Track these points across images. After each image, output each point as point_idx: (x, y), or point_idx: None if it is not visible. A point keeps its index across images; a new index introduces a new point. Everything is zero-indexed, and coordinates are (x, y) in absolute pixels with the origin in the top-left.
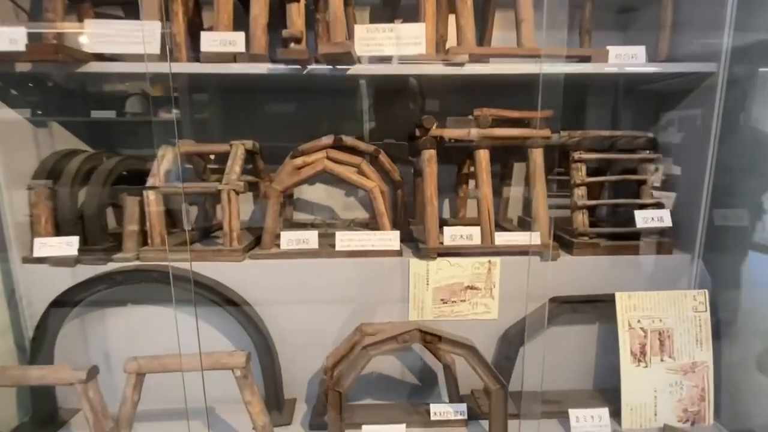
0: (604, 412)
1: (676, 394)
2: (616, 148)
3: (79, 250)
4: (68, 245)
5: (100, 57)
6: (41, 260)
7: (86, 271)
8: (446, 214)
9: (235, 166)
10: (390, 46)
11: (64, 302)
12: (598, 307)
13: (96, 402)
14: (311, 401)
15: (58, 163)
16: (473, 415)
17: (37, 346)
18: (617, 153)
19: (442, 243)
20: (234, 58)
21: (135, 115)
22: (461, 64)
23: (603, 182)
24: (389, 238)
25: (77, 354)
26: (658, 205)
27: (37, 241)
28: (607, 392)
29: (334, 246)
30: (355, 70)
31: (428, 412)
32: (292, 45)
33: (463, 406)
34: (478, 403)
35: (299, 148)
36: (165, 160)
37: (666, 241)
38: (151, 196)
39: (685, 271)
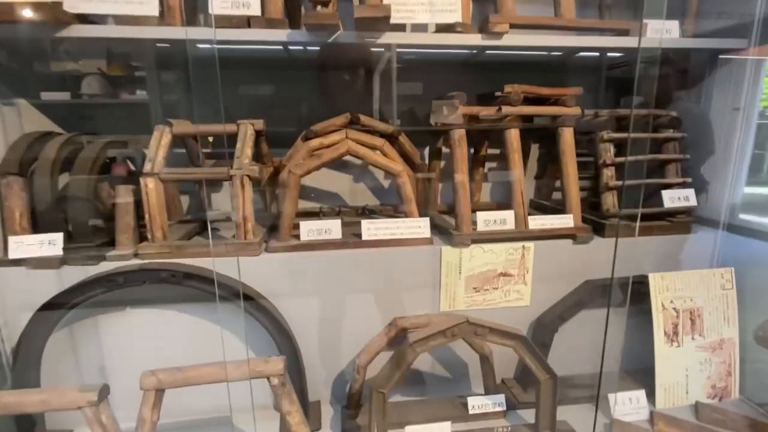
0: (641, 394)
1: (705, 372)
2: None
3: (65, 248)
4: (51, 244)
5: (83, 19)
6: (16, 262)
7: (73, 273)
8: None
9: (246, 149)
10: (423, 13)
11: (55, 308)
12: (635, 289)
13: (110, 427)
14: (335, 403)
15: (31, 149)
16: (509, 405)
17: (20, 363)
18: (641, 132)
19: (474, 229)
20: (248, 22)
21: (93, 96)
22: (500, 35)
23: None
24: (419, 226)
25: (66, 368)
26: (684, 185)
27: (12, 240)
28: (636, 373)
29: (358, 235)
30: (386, 38)
31: (465, 406)
32: (319, 8)
33: (501, 398)
34: (513, 392)
35: (312, 129)
36: (162, 144)
37: (691, 220)
38: (150, 183)
39: (709, 250)
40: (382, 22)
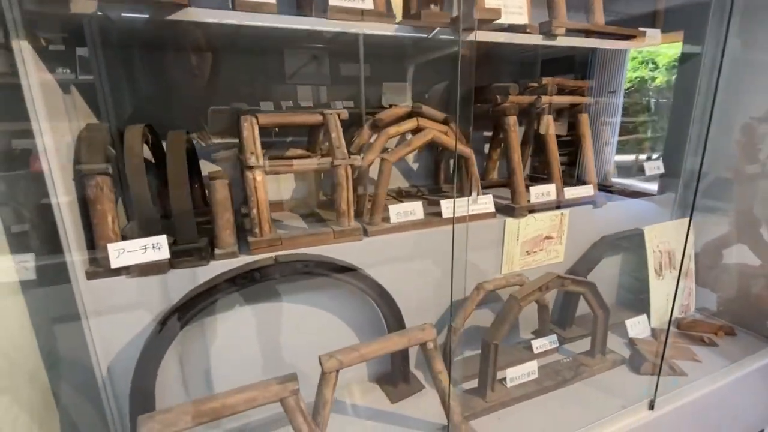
0: (643, 318)
1: (678, 295)
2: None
3: (172, 252)
4: (156, 248)
5: None
6: (114, 272)
7: (182, 277)
8: None
9: (341, 139)
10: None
11: (185, 312)
12: (632, 240)
13: (306, 412)
14: (420, 366)
15: (102, 141)
16: (559, 342)
17: (141, 374)
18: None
19: (528, 201)
20: (361, 14)
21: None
22: (554, 36)
23: None
24: (485, 202)
25: (171, 374)
26: (657, 157)
27: (112, 248)
28: (626, 302)
29: (435, 214)
30: (473, 36)
31: (528, 348)
32: (432, 7)
33: (554, 337)
34: (556, 332)
35: (378, 117)
36: (256, 135)
37: (662, 183)
38: (258, 177)
39: (671, 205)
40: (487, 22)
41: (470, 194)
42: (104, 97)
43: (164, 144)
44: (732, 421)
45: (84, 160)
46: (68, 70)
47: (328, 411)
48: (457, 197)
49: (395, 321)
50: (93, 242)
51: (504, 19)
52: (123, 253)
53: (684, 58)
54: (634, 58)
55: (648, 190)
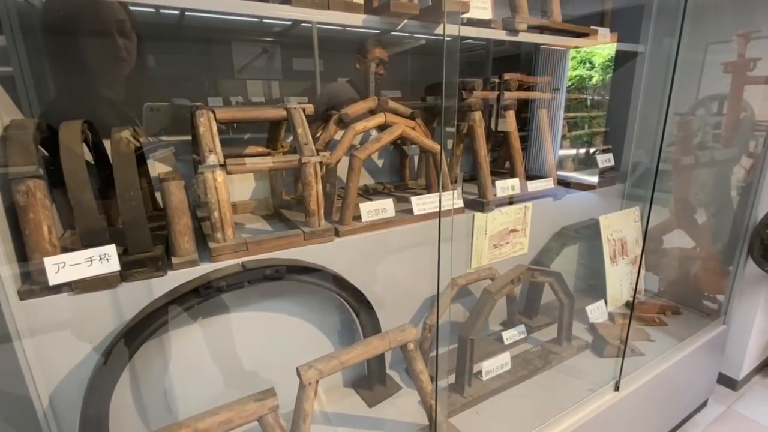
0: (602, 303)
1: (629, 279)
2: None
3: (123, 263)
4: (104, 259)
5: None
6: (53, 289)
7: (135, 291)
8: None
9: (308, 135)
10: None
11: (141, 330)
12: (589, 229)
13: (286, 428)
14: (395, 366)
15: (31, 140)
16: (526, 332)
17: (91, 407)
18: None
19: (495, 195)
20: (327, 4)
21: None
22: (517, 32)
23: None
24: (456, 197)
25: (132, 400)
26: (607, 151)
27: (50, 262)
28: (581, 289)
29: (406, 211)
30: (440, 29)
31: (499, 340)
32: None
33: (522, 327)
34: (523, 321)
35: (345, 112)
36: (214, 131)
37: (613, 175)
38: (218, 177)
39: (620, 196)
40: (456, 15)
41: (439, 189)
42: (27, 91)
43: (106, 143)
44: (683, 394)
45: (11, 162)
46: None
47: (309, 425)
48: (435, 192)
49: (371, 323)
50: (26, 256)
51: (468, 14)
52: (64, 267)
53: (626, 57)
54: (573, 58)
55: (589, 182)
